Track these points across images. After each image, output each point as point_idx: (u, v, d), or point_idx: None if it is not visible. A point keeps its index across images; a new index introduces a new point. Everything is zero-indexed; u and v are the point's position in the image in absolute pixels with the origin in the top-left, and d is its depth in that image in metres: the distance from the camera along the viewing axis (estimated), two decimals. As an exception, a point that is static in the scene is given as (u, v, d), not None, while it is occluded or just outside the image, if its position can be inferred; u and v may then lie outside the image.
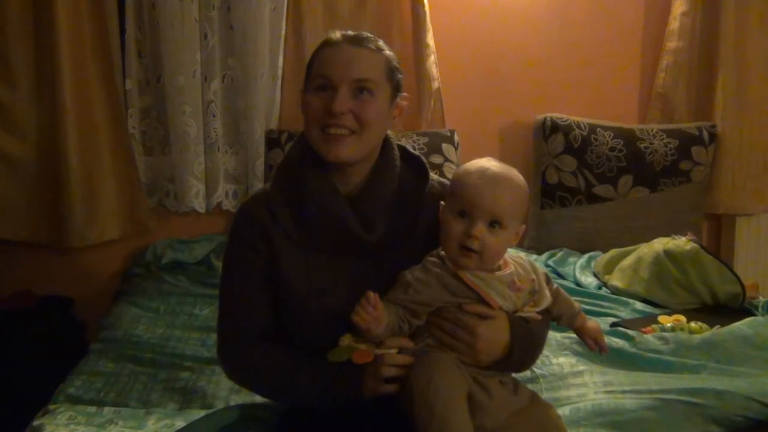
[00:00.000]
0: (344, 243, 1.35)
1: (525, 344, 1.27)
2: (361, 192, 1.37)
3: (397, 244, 1.36)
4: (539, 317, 1.32)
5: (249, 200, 1.44)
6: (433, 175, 1.46)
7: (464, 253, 1.24)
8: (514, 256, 1.33)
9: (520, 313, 1.30)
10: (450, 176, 1.33)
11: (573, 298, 2.36)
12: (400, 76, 1.39)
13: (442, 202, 1.32)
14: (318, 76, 1.33)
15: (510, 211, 1.26)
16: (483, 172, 1.27)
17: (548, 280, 1.36)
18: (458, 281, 1.25)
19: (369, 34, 1.38)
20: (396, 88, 1.38)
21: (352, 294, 1.25)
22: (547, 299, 1.32)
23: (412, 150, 1.48)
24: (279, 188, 1.39)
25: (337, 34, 1.36)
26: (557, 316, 1.39)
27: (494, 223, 1.24)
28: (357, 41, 1.35)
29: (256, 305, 1.38)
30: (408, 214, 1.38)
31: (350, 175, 1.37)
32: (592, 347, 1.40)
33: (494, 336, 1.25)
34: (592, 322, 1.41)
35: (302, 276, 1.35)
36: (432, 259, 1.29)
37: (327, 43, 1.36)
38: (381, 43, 1.38)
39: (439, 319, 1.26)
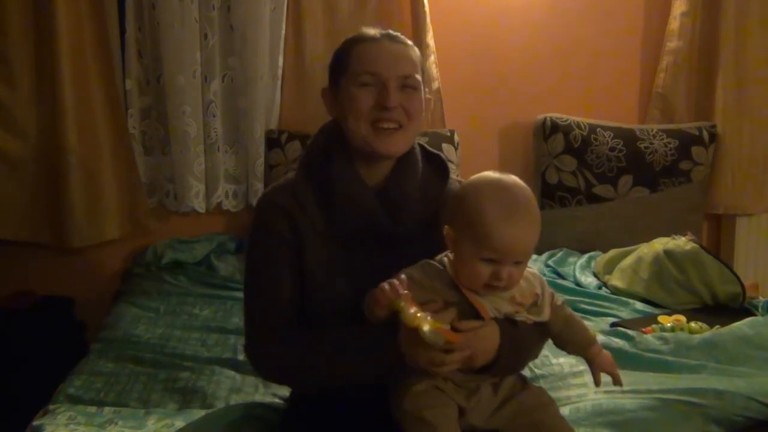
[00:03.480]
0: (368, 233, 1.35)
1: (511, 347, 1.24)
2: (386, 183, 1.38)
3: (418, 238, 1.36)
4: (531, 320, 1.28)
5: (270, 191, 1.43)
6: (452, 175, 1.46)
7: (489, 290, 1.22)
8: None
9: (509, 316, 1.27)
10: (459, 190, 1.25)
11: (573, 298, 2.37)
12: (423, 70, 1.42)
13: (447, 227, 1.25)
14: (364, 72, 1.34)
15: (535, 244, 1.22)
16: (508, 212, 1.18)
17: (553, 298, 1.30)
18: (456, 291, 1.22)
19: (396, 32, 1.39)
20: (424, 82, 1.40)
21: (365, 289, 1.24)
22: (544, 315, 1.28)
23: (431, 149, 1.49)
24: (304, 178, 1.39)
25: (372, 31, 1.38)
26: (566, 341, 1.31)
27: (520, 261, 1.22)
28: (394, 38, 1.37)
29: (283, 298, 1.35)
30: (429, 210, 1.39)
31: (377, 167, 1.38)
32: (597, 383, 1.30)
33: (485, 344, 1.22)
34: (607, 354, 1.31)
35: (322, 266, 1.35)
36: (433, 263, 1.26)
37: (363, 39, 1.37)
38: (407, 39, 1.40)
39: None
